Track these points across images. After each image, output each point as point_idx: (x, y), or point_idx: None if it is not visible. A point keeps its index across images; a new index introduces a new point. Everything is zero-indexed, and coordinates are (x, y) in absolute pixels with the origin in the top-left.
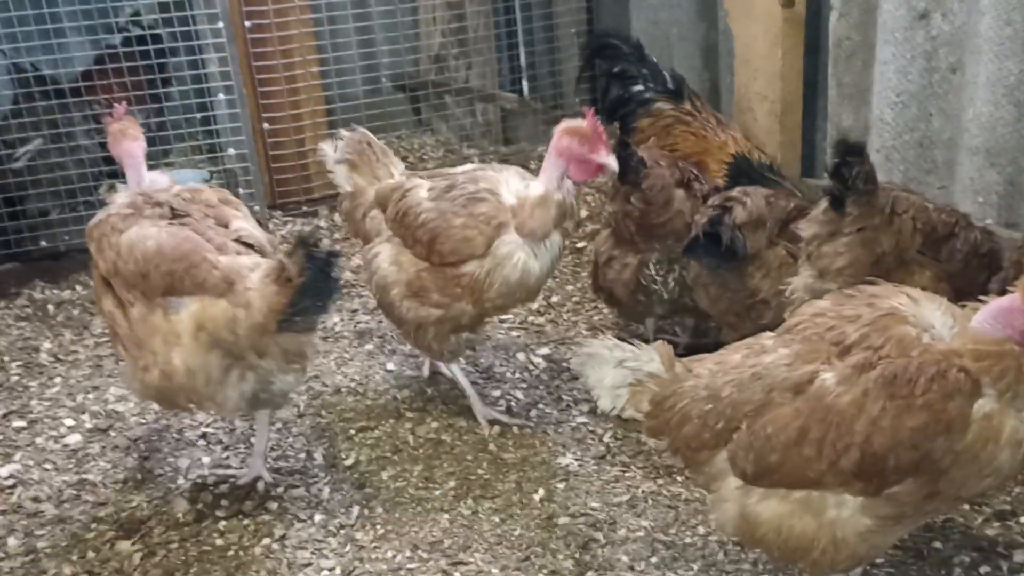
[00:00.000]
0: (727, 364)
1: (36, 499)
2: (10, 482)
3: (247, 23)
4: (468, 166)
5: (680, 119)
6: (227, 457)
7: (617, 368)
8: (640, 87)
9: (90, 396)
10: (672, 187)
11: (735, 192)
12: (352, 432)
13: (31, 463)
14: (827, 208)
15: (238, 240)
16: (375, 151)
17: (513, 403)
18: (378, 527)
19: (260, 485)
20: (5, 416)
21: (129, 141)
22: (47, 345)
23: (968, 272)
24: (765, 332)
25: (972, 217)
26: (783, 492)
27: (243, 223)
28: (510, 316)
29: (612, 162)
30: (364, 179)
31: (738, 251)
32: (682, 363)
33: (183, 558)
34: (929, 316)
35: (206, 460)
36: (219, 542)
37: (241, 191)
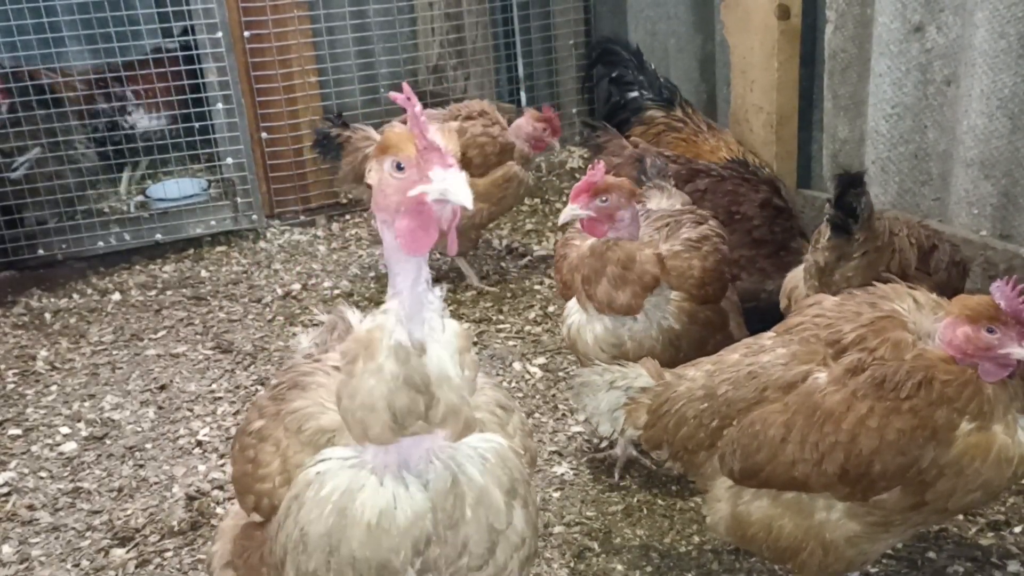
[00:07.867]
0: (724, 363)
1: (31, 507)
2: (5, 490)
3: (246, 33)
4: None
5: (671, 126)
6: (223, 465)
7: (609, 391)
8: (635, 94)
9: (86, 404)
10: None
11: None
12: None
13: (26, 471)
14: (831, 236)
15: None
16: None
17: None
18: None
19: None
20: (1, 424)
21: None
22: (43, 353)
23: (951, 281)
24: (765, 332)
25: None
26: (774, 493)
27: None
28: (507, 325)
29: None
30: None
31: None
32: (671, 371)
33: (178, 566)
34: (929, 324)
35: (201, 468)
36: None
37: (239, 200)
